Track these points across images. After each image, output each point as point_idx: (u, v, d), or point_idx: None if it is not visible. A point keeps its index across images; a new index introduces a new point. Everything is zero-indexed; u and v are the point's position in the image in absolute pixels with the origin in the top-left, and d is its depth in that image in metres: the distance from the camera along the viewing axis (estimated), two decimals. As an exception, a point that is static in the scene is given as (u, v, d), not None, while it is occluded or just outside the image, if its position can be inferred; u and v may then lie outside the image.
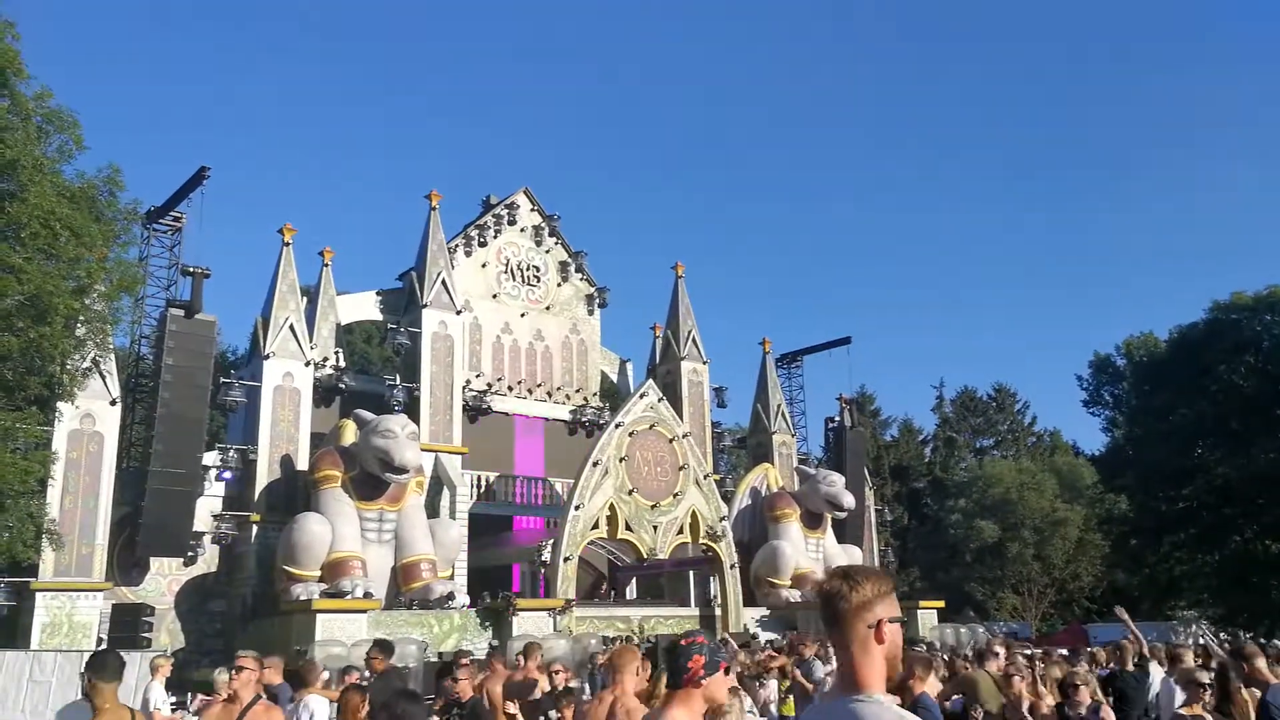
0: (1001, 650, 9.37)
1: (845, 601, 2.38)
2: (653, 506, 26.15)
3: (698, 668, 3.28)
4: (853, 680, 2.35)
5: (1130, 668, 10.05)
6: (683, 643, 3.37)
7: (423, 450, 24.35)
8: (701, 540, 27.33)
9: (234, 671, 6.16)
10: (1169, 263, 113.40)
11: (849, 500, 30.82)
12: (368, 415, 23.22)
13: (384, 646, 9.74)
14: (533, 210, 32.49)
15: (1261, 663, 7.15)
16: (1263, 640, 18.61)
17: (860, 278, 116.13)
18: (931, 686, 6.26)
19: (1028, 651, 14.37)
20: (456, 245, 30.08)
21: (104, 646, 19.49)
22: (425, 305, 27.30)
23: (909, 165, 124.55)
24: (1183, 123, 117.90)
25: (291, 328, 25.27)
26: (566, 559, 24.37)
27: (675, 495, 26.68)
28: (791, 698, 11.33)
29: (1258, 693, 7.24)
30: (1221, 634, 37.87)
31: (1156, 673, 10.44)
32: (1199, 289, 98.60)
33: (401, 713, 5.88)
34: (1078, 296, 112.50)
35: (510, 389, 30.31)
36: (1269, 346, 38.87)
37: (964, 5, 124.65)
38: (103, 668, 4.94)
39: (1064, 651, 14.15)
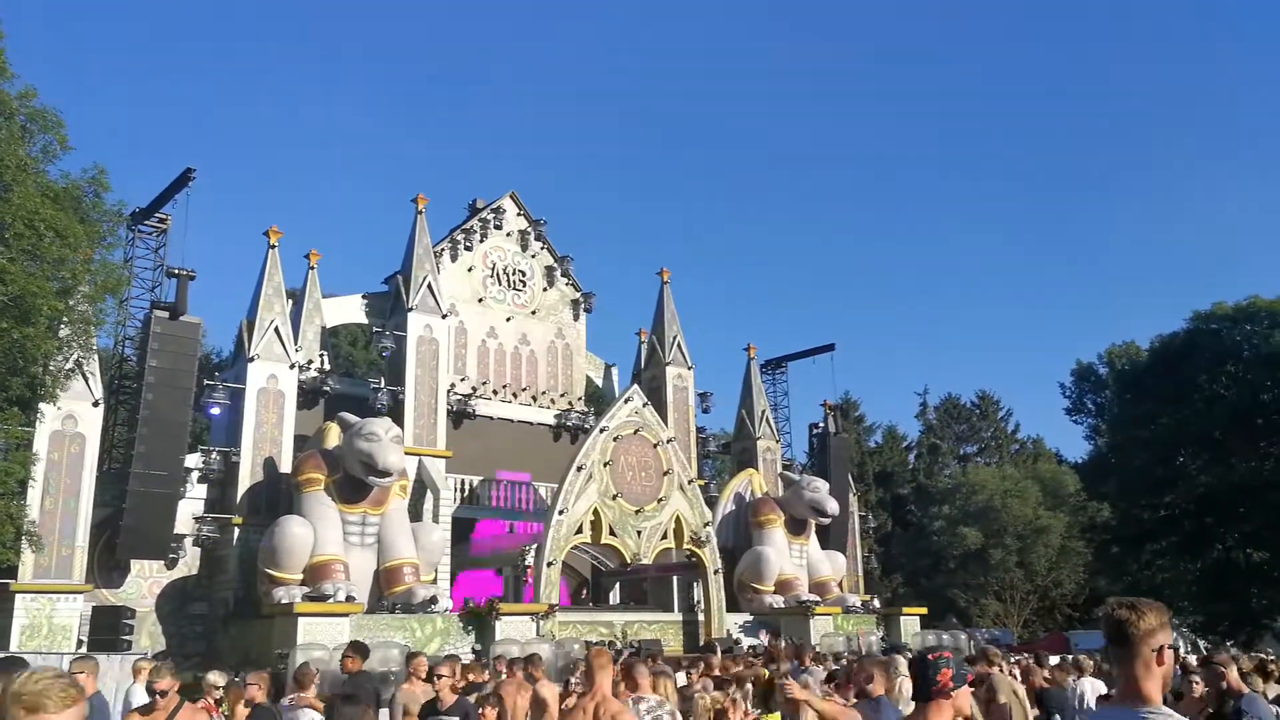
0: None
1: (1134, 629, 2.82)
2: (637, 511, 26.18)
3: (946, 680, 3.49)
4: (1139, 694, 2.82)
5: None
6: (930, 656, 3.56)
7: (406, 454, 24.32)
8: (685, 545, 27.37)
9: (157, 696, 6.20)
10: (1151, 272, 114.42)
11: (833, 506, 30.92)
12: (351, 418, 23.19)
13: (358, 648, 9.83)
14: (519, 215, 32.53)
15: (1234, 672, 7.35)
16: (1270, 653, 18.58)
17: (844, 284, 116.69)
18: (888, 690, 6.65)
19: (1015, 658, 14.46)
20: (443, 249, 30.10)
21: (84, 649, 19.40)
22: (411, 309, 27.29)
23: (893, 173, 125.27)
24: (1165, 134, 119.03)
25: (276, 330, 25.23)
26: (550, 564, 24.38)
27: (659, 500, 26.72)
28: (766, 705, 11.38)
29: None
30: (1202, 642, 38.21)
31: (1091, 685, 10.63)
32: (1180, 299, 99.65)
33: (339, 715, 6.00)
34: (1060, 305, 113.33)
35: (495, 393, 30.32)
36: (1249, 356, 39.20)
37: (947, 19, 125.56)
38: (7, 671, 4.89)
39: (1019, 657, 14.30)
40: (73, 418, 21.41)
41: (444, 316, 28.08)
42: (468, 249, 30.92)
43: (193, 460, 23.94)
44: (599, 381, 35.07)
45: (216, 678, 9.60)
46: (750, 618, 28.28)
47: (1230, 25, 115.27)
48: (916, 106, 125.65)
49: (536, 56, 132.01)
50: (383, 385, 26.49)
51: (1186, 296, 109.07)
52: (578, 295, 33.31)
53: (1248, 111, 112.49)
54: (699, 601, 28.23)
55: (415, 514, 25.26)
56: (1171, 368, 40.54)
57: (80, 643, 20.17)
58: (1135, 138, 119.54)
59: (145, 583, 23.30)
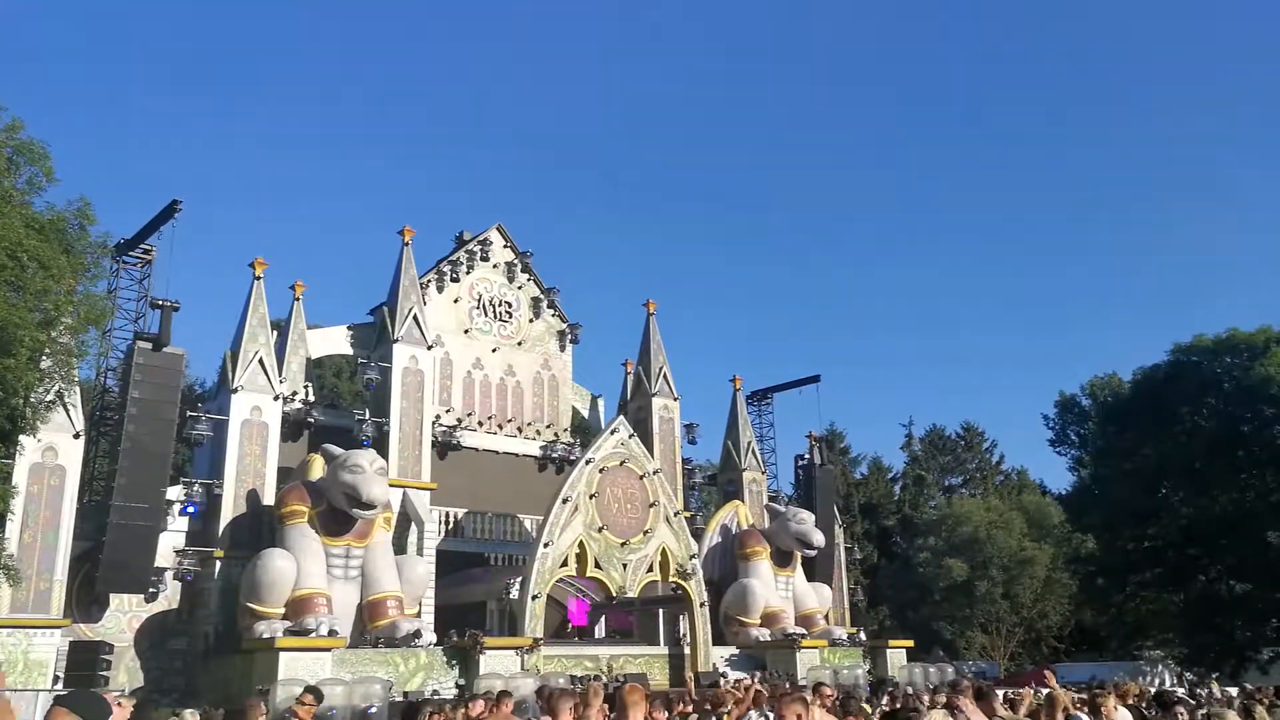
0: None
1: None
2: (623, 544, 26.06)
3: None
4: None
5: None
6: None
7: (391, 486, 24.17)
8: (671, 578, 27.23)
9: None
10: (1132, 305, 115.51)
11: (819, 538, 30.84)
12: (336, 450, 23.05)
13: (313, 693, 9.77)
14: (505, 246, 32.63)
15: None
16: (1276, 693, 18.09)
17: (830, 317, 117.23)
18: None
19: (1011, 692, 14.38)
20: (429, 280, 30.12)
21: (60, 686, 19.06)
22: (396, 340, 27.25)
23: (879, 206, 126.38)
24: (1147, 167, 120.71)
25: (260, 361, 25.12)
26: (535, 597, 24.19)
27: (645, 532, 26.61)
28: None
29: None
30: (1188, 674, 38.16)
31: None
32: (1161, 331, 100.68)
33: None
34: (1043, 337, 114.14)
35: (480, 424, 30.22)
36: (1230, 388, 39.56)
37: (934, 52, 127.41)
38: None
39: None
40: (53, 450, 21.20)
41: (429, 348, 28.04)
42: (454, 280, 30.95)
43: (174, 492, 23.68)
44: (585, 413, 35.01)
45: (191, 715, 9.76)
46: (737, 651, 28.10)
47: (1208, 61, 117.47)
48: (901, 142, 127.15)
49: (524, 90, 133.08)
50: (367, 417, 26.38)
51: (1168, 329, 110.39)
52: (564, 326, 33.35)
53: (1228, 145, 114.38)
54: (685, 635, 28.03)
55: (399, 547, 25.06)
56: (1153, 400, 40.84)
57: (57, 679, 19.82)
58: (1116, 171, 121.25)
59: (124, 617, 22.94)
